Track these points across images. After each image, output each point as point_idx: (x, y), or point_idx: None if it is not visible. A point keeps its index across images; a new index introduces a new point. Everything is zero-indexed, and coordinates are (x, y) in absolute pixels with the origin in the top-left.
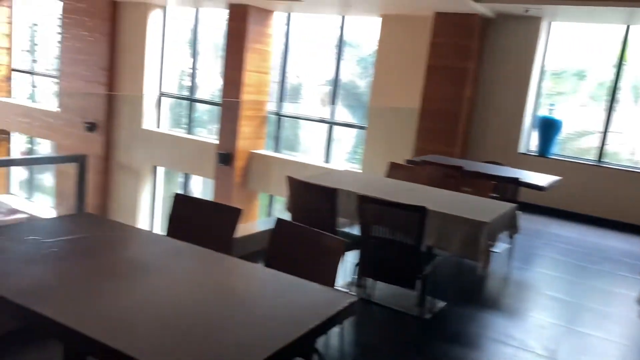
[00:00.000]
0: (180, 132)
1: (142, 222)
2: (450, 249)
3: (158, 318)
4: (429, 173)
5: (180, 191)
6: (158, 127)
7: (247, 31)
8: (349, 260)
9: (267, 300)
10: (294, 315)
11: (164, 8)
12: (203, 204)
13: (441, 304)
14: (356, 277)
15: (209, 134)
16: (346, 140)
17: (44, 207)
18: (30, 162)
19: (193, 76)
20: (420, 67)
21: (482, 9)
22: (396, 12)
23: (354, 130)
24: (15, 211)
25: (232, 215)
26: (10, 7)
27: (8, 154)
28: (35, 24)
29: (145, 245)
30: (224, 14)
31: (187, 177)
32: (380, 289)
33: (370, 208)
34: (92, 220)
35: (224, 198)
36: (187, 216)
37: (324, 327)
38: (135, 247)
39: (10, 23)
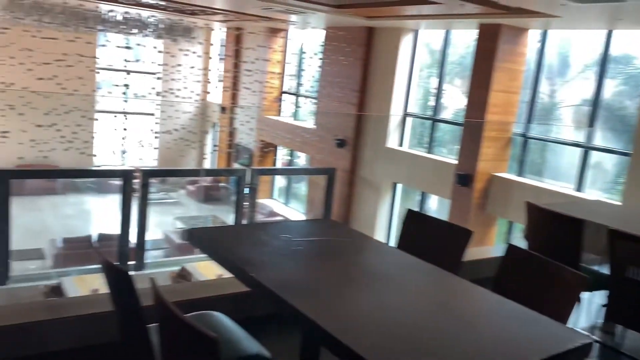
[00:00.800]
0: (421, 151)
1: (379, 234)
2: None
3: (385, 323)
4: None
5: (416, 208)
6: (400, 145)
7: (497, 50)
8: (595, 302)
9: (493, 326)
10: (519, 345)
11: (415, 32)
12: (434, 222)
13: None
14: (602, 321)
15: (449, 154)
16: (605, 167)
17: (296, 213)
18: (290, 172)
19: (438, 96)
20: None
21: None
22: None
23: (615, 157)
24: (274, 214)
25: (463, 236)
26: (284, 37)
27: (273, 164)
28: (302, 52)
29: (379, 255)
30: (472, 34)
31: (424, 196)
32: (634, 339)
33: (626, 246)
34: (335, 227)
35: (459, 219)
36: (417, 232)
37: None
38: (371, 255)
39: (283, 52)
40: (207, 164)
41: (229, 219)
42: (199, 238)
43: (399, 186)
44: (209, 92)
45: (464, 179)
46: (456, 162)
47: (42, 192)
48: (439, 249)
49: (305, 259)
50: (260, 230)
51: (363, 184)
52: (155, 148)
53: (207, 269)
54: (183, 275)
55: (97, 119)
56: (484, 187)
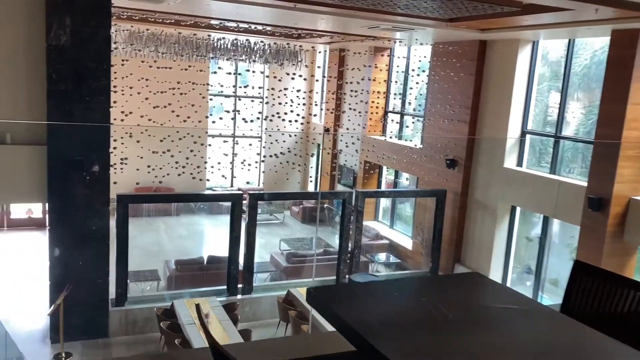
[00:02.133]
0: (542, 172)
1: (495, 262)
2: None
3: None
4: None
5: (536, 234)
6: (519, 165)
7: (636, 58)
8: None
9: None
10: None
11: (533, 43)
12: (617, 280)
13: None
14: None
15: (573, 175)
16: None
17: (402, 236)
18: (398, 195)
19: (560, 112)
20: None
21: None
22: None
23: None
24: (380, 237)
25: None
26: (389, 56)
27: (378, 185)
28: (408, 69)
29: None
30: (602, 41)
31: (546, 221)
32: None
33: None
34: (482, 284)
35: (591, 248)
36: (591, 293)
37: None
38: (527, 324)
39: (387, 70)
40: (311, 186)
41: (334, 241)
42: (321, 300)
43: (518, 210)
44: (313, 115)
45: (596, 203)
46: (586, 183)
47: (157, 214)
48: (623, 318)
49: (450, 328)
50: (392, 288)
51: (477, 207)
52: (262, 172)
53: None
54: (289, 301)
55: (209, 145)
56: (621, 212)
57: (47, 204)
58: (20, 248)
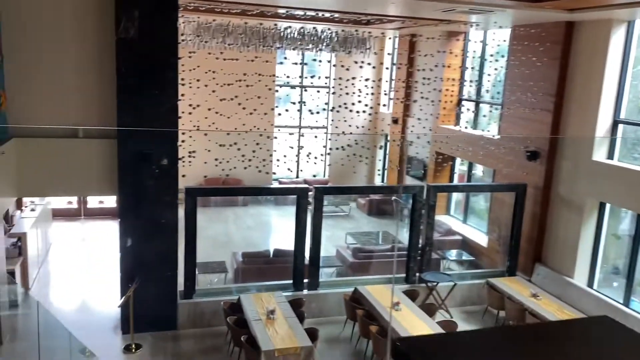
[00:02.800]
0: (637, 165)
1: (581, 262)
2: None
3: None
4: None
5: (624, 231)
6: (610, 158)
7: None
8: None
9: None
10: None
11: (628, 23)
12: None
13: None
14: None
15: None
16: None
17: (477, 232)
18: (473, 189)
19: None
20: None
21: None
22: None
23: None
24: (452, 232)
25: None
26: (464, 40)
27: (450, 178)
28: (485, 55)
29: None
30: None
31: (639, 219)
32: None
33: None
34: (614, 331)
35: None
36: None
37: None
38: None
39: (461, 56)
40: (378, 179)
41: (402, 235)
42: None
43: (607, 207)
44: (382, 105)
45: None
46: None
47: (225, 204)
48: None
49: None
50: (497, 337)
51: (560, 203)
52: (328, 164)
53: (380, 294)
54: (356, 299)
55: (275, 137)
56: None
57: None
58: (96, 236)
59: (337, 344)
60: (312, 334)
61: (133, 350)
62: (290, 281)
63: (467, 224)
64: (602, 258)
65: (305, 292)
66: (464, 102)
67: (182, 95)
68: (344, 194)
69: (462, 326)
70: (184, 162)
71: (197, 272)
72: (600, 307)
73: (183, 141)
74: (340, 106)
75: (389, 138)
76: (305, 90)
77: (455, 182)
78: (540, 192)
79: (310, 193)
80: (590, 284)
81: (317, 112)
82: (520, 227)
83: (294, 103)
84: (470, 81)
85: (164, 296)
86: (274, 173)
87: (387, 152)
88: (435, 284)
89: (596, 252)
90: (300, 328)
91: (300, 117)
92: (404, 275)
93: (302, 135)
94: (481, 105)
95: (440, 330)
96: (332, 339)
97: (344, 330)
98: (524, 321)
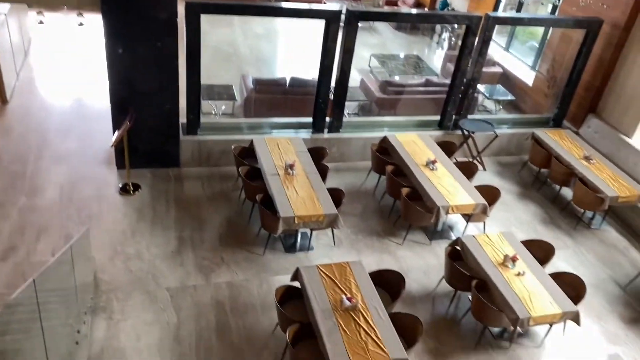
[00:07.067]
0: None
1: None
2: None
3: None
4: None
5: None
6: None
7: None
8: None
9: None
10: None
11: None
12: None
13: None
14: None
15: None
16: None
17: (521, 65)
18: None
19: None
20: None
21: None
22: None
23: None
24: (490, 61)
25: None
26: None
27: (495, 7)
28: None
29: None
30: None
31: None
32: None
33: None
34: None
35: None
36: None
37: None
38: None
39: None
40: None
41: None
42: None
43: None
44: None
45: None
46: None
47: None
48: None
49: None
50: None
51: (639, 47)
52: None
53: (412, 147)
54: (384, 150)
55: None
56: None
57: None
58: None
59: (359, 196)
60: (337, 196)
61: (131, 191)
62: (310, 119)
63: (509, 51)
64: None
65: (326, 134)
66: None
67: None
68: (384, 21)
69: (495, 181)
70: None
71: (201, 99)
72: None
73: None
74: None
75: None
76: None
77: (501, 9)
78: (617, 33)
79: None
80: None
81: None
82: (581, 71)
83: None
84: None
85: (164, 131)
86: None
87: None
88: (473, 133)
89: None
90: (324, 189)
91: None
92: (437, 118)
93: None
94: None
95: (479, 197)
96: (354, 190)
97: (367, 181)
98: (569, 186)
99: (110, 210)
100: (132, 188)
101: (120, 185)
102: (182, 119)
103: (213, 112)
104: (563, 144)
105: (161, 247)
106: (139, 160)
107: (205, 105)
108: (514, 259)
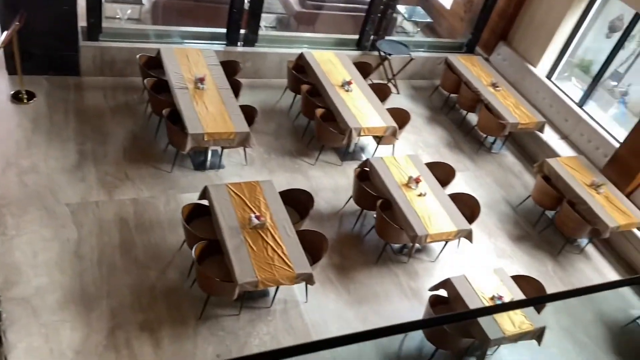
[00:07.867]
0: None
1: (548, 54)
2: None
3: None
4: None
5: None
6: None
7: None
8: None
9: None
10: None
11: None
12: None
13: None
14: None
15: None
16: None
17: None
18: None
19: None
20: None
21: None
22: None
23: None
24: None
25: None
26: None
27: None
28: None
29: None
30: None
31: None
32: None
33: None
34: None
35: None
36: None
37: None
38: None
39: None
40: None
41: None
42: None
43: None
44: None
45: None
46: None
47: None
48: None
49: None
50: None
51: None
52: None
53: (328, 64)
54: (301, 67)
55: None
56: None
57: None
58: None
59: (273, 115)
60: (250, 114)
61: (25, 99)
62: (223, 30)
63: None
64: (571, 51)
65: (240, 48)
66: None
67: None
68: None
69: (407, 104)
70: None
71: (103, 1)
72: (555, 103)
73: None
74: None
75: None
76: None
77: None
78: None
79: None
80: (550, 75)
81: None
82: None
83: None
84: None
85: (60, 34)
86: None
87: None
88: (390, 56)
89: (569, 43)
90: (236, 105)
91: None
92: (356, 37)
93: None
94: None
95: (391, 120)
96: (268, 108)
97: (282, 100)
98: (474, 111)
99: (1, 119)
100: (26, 96)
101: (12, 93)
102: (82, 22)
103: (117, 16)
104: (473, 70)
105: (60, 160)
106: (33, 66)
107: (109, 8)
108: (417, 181)
